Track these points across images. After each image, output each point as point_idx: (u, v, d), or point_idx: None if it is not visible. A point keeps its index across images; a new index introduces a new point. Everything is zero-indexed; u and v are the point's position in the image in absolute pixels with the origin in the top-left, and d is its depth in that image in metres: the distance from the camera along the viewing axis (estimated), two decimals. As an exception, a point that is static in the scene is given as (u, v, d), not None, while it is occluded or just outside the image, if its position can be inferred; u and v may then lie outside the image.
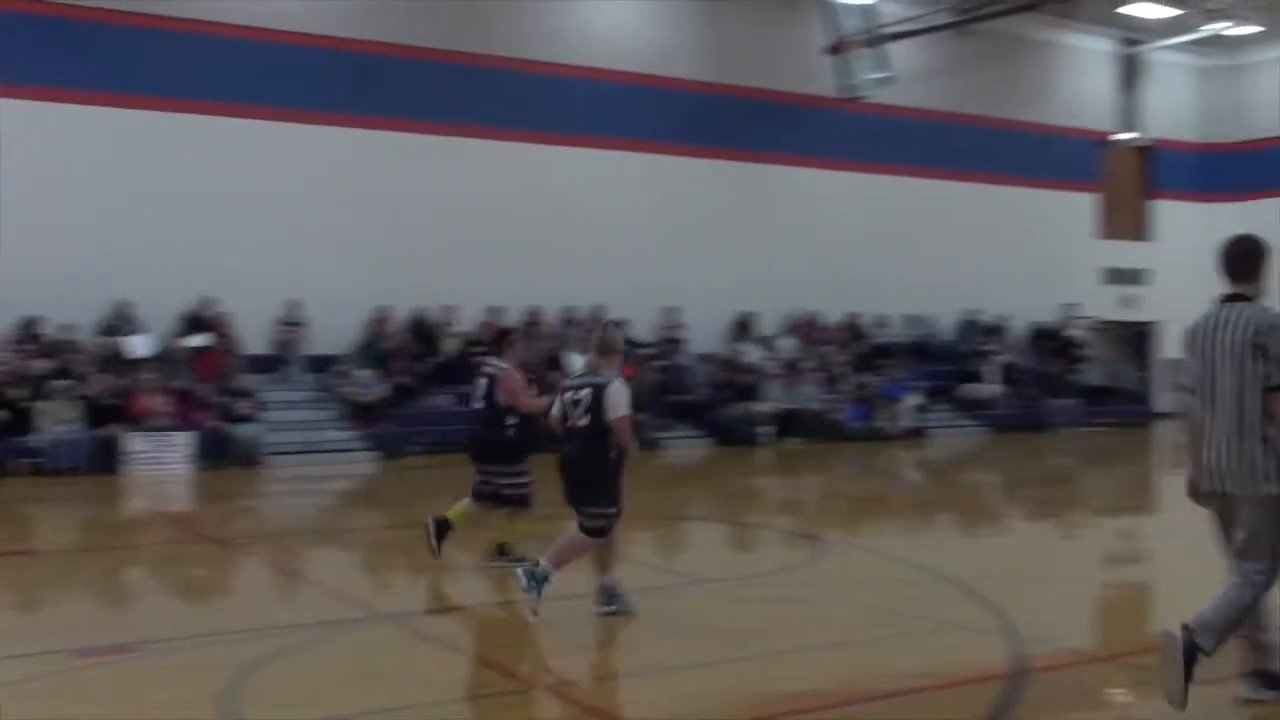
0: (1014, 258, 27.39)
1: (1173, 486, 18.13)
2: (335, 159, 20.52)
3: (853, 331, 25.15)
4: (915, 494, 16.82)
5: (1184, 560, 10.64)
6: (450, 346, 20.53)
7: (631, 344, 22.03)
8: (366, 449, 18.64)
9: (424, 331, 20.82)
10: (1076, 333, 27.79)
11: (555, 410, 7.56)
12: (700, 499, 15.86)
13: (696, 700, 5.79)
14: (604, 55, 23.27)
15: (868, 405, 23.12)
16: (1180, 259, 30.47)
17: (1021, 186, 27.90)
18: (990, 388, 25.21)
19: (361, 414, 19.05)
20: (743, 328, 23.70)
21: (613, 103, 23.26)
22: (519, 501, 9.02)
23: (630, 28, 23.73)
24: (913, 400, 23.53)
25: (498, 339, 9.69)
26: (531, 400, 9.04)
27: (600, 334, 7.90)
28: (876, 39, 23.31)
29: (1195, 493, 5.59)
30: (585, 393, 7.32)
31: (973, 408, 24.92)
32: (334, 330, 19.93)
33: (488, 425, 9.02)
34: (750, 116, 24.56)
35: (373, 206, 20.74)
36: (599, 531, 7.33)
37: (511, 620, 7.67)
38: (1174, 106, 30.80)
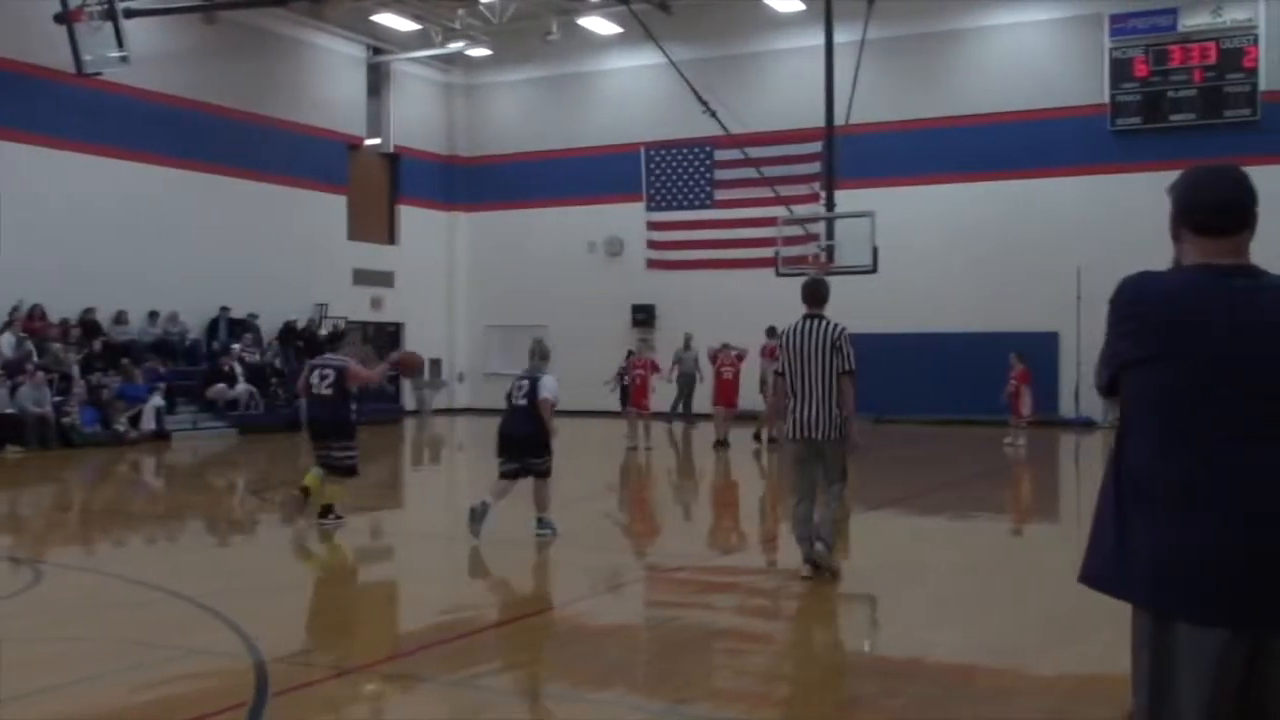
0: (266, 255, 26.89)
1: (419, 482, 18.74)
2: None
3: (87, 329, 23.01)
4: (155, 504, 15.58)
5: (424, 556, 10.82)
6: None
7: None
8: None
9: None
10: (328, 332, 27.92)
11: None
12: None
13: None
14: None
15: (104, 408, 21.29)
16: (422, 263, 32.05)
17: (275, 184, 27.49)
18: (240, 388, 24.45)
19: None
20: (-47, 322, 20.68)
21: None
22: (352, 471, 11.27)
23: None
24: (155, 402, 22.12)
25: (336, 337, 12.06)
26: (370, 374, 11.61)
27: (537, 345, 10.80)
28: (112, 13, 21.45)
29: (787, 438, 8.67)
30: (526, 383, 10.31)
31: (222, 408, 24.00)
32: None
33: (336, 408, 11.08)
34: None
35: None
36: (549, 472, 10.46)
37: None
38: (418, 117, 32.19)
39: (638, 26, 24.30)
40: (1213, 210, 2.91)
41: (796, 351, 8.45)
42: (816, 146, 24.27)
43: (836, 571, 8.56)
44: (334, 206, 29.57)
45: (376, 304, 30.58)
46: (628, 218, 30.15)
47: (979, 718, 5.55)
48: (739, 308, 25.63)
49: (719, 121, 22.79)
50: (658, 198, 30.02)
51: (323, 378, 11.14)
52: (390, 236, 31.73)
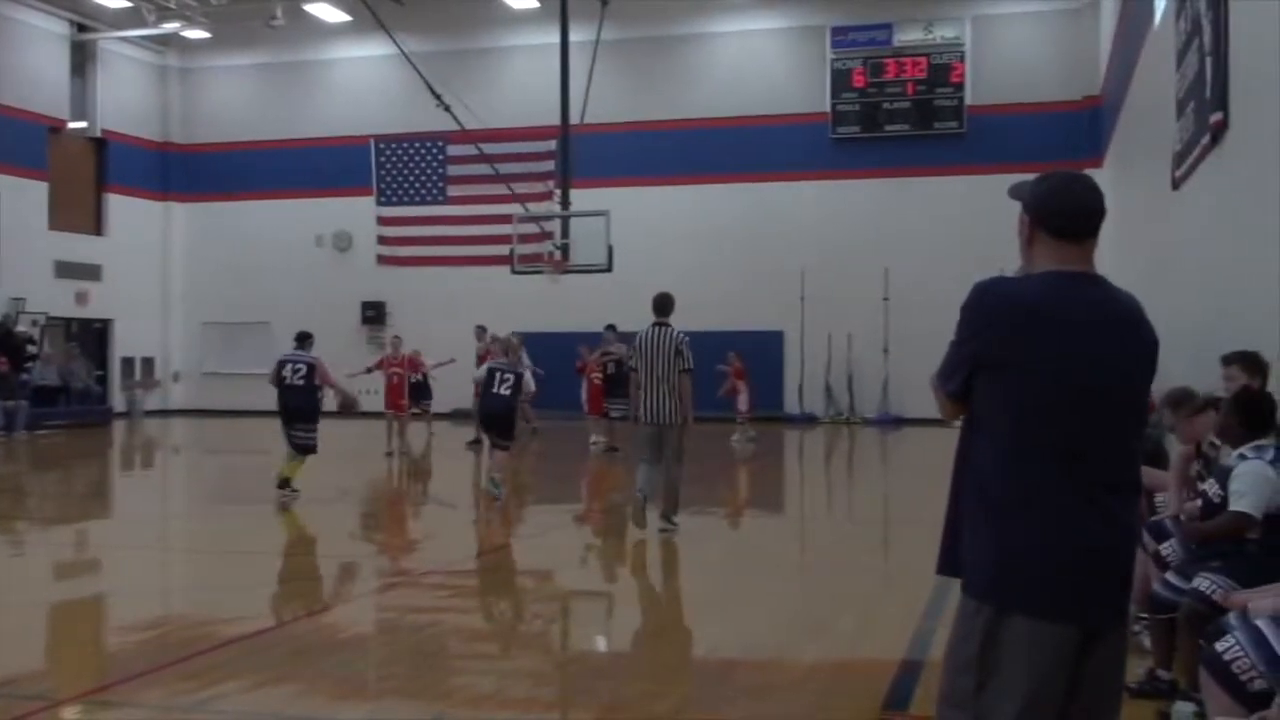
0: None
1: (130, 488, 17.48)
2: None
3: None
4: None
5: (141, 570, 10.01)
6: None
7: None
8: None
9: None
10: (25, 329, 25.83)
11: (482, 375, 12.95)
12: None
13: None
14: None
15: None
16: (133, 256, 30.11)
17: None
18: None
19: None
20: None
21: None
22: (311, 449, 12.85)
23: None
24: None
25: (303, 337, 13.29)
26: (333, 378, 13.20)
27: (509, 340, 13.60)
28: None
29: (638, 421, 10.55)
30: (510, 374, 12.43)
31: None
32: None
33: (308, 396, 12.87)
34: None
35: None
36: (509, 449, 12.90)
37: None
38: (129, 100, 30.22)
39: (368, 15, 23.53)
40: (1078, 215, 2.94)
41: (646, 353, 10.38)
42: (551, 144, 24.18)
43: (671, 526, 10.41)
44: (33, 193, 27.29)
45: (81, 299, 28.46)
46: (357, 212, 29.21)
47: (748, 716, 5.48)
48: (473, 305, 25.23)
49: (453, 116, 22.35)
50: (389, 192, 29.23)
51: (295, 370, 12.93)
52: (97, 227, 29.59)
